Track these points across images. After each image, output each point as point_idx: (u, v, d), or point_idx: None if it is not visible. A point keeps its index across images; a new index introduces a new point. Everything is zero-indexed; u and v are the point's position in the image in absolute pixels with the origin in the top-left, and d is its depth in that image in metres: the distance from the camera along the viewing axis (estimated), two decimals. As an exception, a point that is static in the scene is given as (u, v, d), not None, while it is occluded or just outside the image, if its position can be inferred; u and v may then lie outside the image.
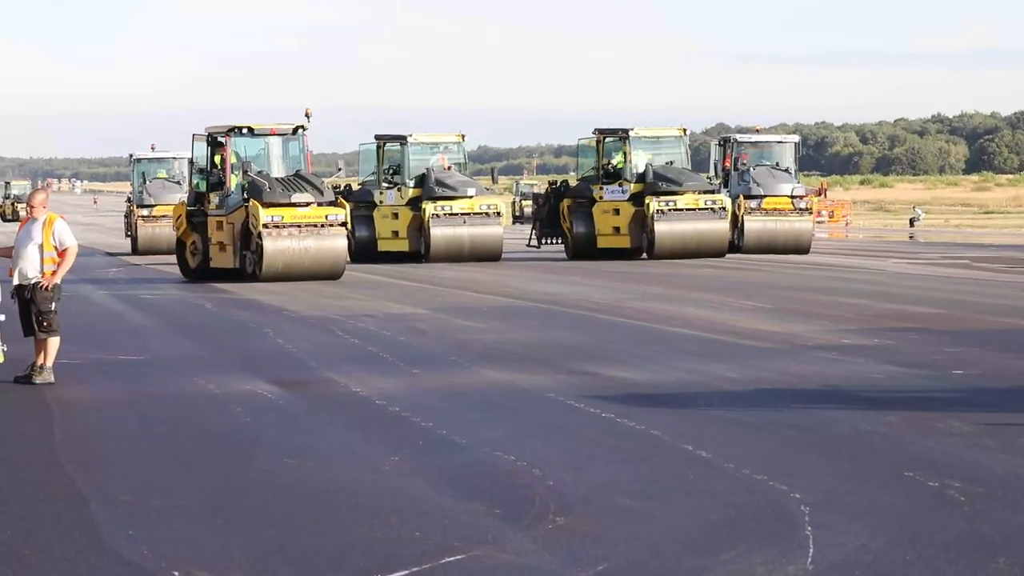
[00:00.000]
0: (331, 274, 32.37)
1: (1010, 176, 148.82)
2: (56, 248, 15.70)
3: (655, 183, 40.11)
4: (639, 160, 41.04)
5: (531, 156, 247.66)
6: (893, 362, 16.39)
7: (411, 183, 40.90)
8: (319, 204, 32.52)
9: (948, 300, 25.01)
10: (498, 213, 40.94)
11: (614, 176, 41.21)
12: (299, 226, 32.06)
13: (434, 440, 11.98)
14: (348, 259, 33.79)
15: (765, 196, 43.12)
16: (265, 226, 31.77)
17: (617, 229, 40.85)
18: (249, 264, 32.55)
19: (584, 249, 41.15)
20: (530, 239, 44.02)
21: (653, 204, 39.65)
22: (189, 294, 28.98)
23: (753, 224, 42.82)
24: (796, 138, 47.37)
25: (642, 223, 40.26)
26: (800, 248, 42.71)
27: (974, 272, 33.88)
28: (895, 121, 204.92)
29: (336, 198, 33.57)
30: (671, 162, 41.53)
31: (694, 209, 39.90)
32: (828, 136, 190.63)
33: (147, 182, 50.12)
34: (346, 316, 23.15)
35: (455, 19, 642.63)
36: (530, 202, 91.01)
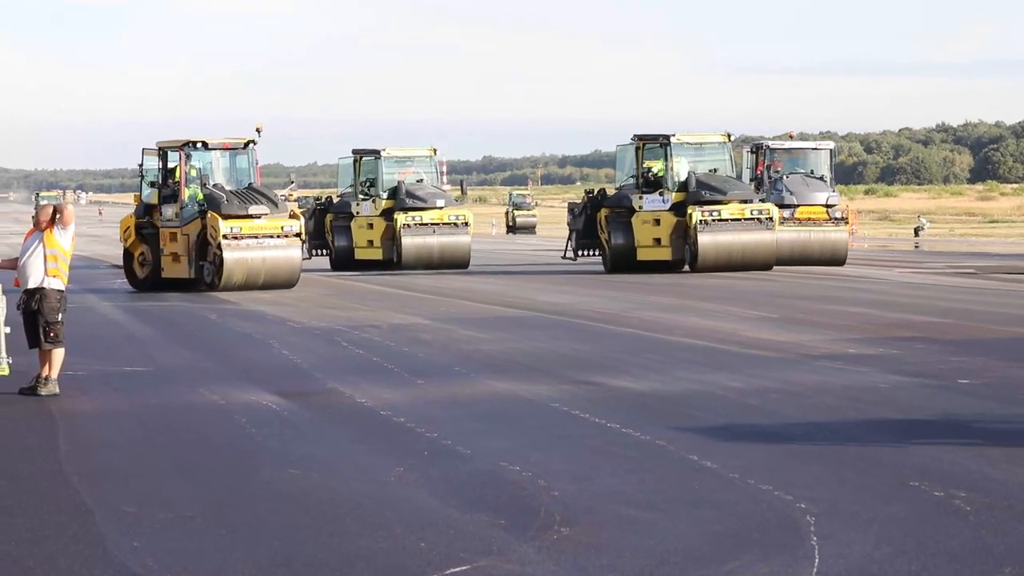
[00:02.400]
0: (287, 283, 33.09)
1: (1015, 185, 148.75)
2: (57, 244, 15.67)
3: (698, 192, 37.77)
4: (681, 168, 38.63)
5: (535, 166, 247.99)
6: (898, 371, 16.37)
7: (384, 195, 42.94)
8: (274, 216, 33.28)
9: (953, 309, 24.99)
10: (466, 223, 42.62)
11: (654, 184, 38.79)
12: (256, 237, 32.82)
13: (438, 451, 11.97)
14: (303, 268, 34.37)
15: (799, 205, 40.58)
16: (225, 237, 32.35)
17: (658, 240, 38.37)
18: (207, 274, 33.10)
19: (623, 262, 38.83)
20: (565, 251, 42.07)
21: (696, 214, 37.30)
22: (193, 305, 28.98)
23: (786, 235, 39.92)
24: (831, 145, 44.53)
25: (684, 234, 37.90)
26: (836, 259, 40.63)
27: (979, 281, 33.86)
28: (899, 130, 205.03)
29: (290, 210, 34.48)
30: (715, 169, 39.03)
31: (740, 219, 37.59)
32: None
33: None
34: (350, 327, 23.16)
35: (459, 28, 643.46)
36: (523, 211, 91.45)
